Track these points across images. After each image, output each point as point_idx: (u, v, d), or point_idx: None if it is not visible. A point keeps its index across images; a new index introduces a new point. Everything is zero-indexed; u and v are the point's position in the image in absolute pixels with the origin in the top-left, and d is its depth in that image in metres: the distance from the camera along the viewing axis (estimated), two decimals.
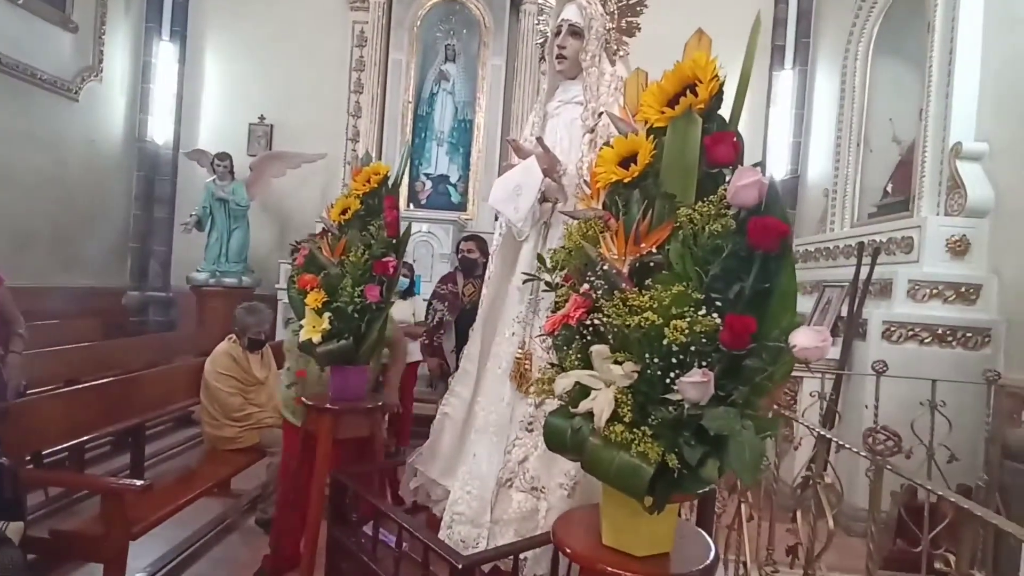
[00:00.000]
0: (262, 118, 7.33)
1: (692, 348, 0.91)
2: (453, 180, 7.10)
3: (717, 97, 1.05)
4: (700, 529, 1.26)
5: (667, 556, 1.10)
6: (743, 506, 2.05)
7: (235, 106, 7.39)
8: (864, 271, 4.24)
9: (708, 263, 0.95)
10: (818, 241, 5.57)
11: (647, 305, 0.95)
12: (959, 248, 4.00)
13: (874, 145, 5.24)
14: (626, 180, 1.08)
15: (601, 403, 0.98)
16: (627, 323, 0.97)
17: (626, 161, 1.10)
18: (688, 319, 0.91)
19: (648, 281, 1.00)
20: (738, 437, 0.85)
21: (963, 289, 3.92)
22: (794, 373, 4.16)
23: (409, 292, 4.66)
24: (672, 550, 1.11)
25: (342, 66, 7.16)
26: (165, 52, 7.24)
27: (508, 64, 6.73)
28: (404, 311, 4.48)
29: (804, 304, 5.11)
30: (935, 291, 3.95)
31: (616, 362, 1.00)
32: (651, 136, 1.11)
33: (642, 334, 0.95)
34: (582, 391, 1.06)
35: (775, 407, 2.24)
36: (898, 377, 3.38)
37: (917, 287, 3.97)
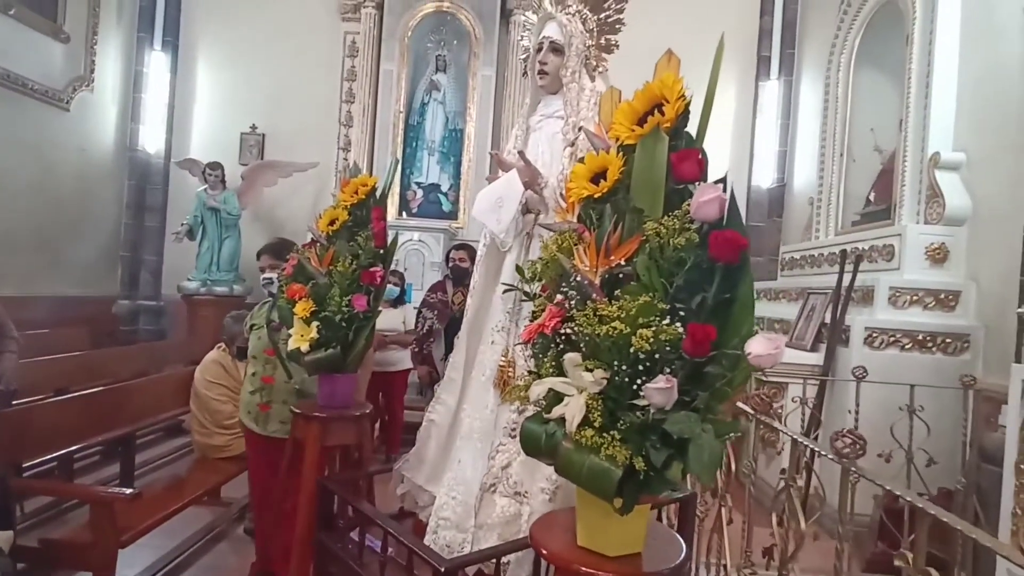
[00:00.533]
0: (254, 127, 7.37)
1: (657, 356, 0.96)
2: (444, 189, 7.16)
3: (683, 116, 1.11)
4: (670, 530, 1.30)
5: (639, 556, 1.14)
6: (723, 510, 2.10)
7: (227, 115, 7.43)
8: (847, 279, 4.32)
9: (673, 275, 1.00)
10: (803, 249, 5.66)
11: (615, 315, 1.00)
12: (938, 256, 4.08)
13: (857, 154, 5.33)
14: (596, 195, 1.13)
15: (572, 409, 1.02)
16: (597, 332, 1.01)
17: (597, 176, 1.15)
18: (654, 328, 0.96)
19: (617, 292, 1.04)
20: (698, 440, 0.90)
21: (942, 296, 3.99)
22: (778, 379, 4.26)
23: (400, 300, 4.71)
24: (644, 550, 1.15)
25: (334, 76, 7.23)
26: (157, 62, 7.27)
27: (498, 74, 6.81)
28: (394, 319, 4.52)
29: (790, 311, 5.18)
30: (915, 298, 4.02)
31: (587, 369, 1.05)
32: (621, 152, 1.16)
33: (611, 342, 1.00)
34: (556, 397, 1.10)
35: (755, 412, 2.29)
36: (877, 383, 3.46)
37: (898, 294, 4.05)
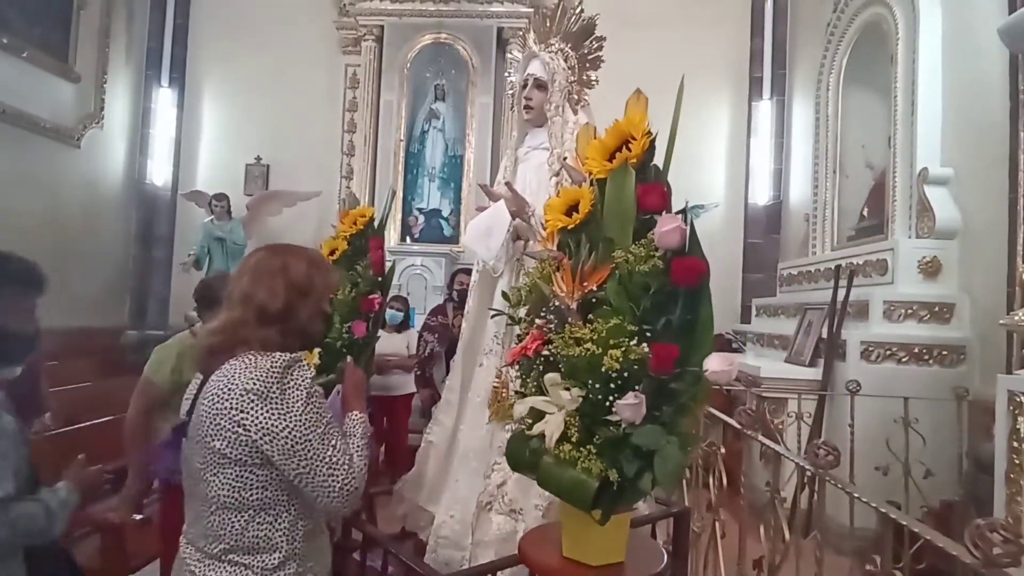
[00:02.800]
0: (258, 159, 7.55)
1: (626, 374, 1.03)
2: (445, 214, 7.29)
3: (650, 151, 1.19)
4: (653, 540, 1.36)
5: (622, 565, 1.21)
6: (717, 524, 2.15)
7: (232, 148, 7.61)
8: (842, 293, 4.37)
9: (641, 299, 1.08)
10: (801, 265, 5.71)
11: (589, 337, 1.08)
12: (931, 269, 4.13)
13: (849, 171, 5.41)
14: (570, 227, 1.22)
15: (551, 425, 1.10)
16: (572, 353, 1.09)
17: (571, 209, 1.24)
18: (623, 348, 1.04)
19: (591, 315, 1.12)
20: (663, 451, 0.97)
21: (936, 308, 4.03)
22: (778, 394, 4.29)
23: (404, 325, 4.78)
24: (627, 559, 1.21)
25: (335, 107, 7.43)
26: (164, 98, 7.49)
27: (495, 101, 6.97)
28: (398, 344, 4.59)
29: (789, 326, 5.22)
30: (910, 311, 4.06)
31: (565, 388, 1.13)
32: (595, 185, 1.25)
33: (585, 363, 1.08)
34: (539, 414, 1.18)
35: (742, 427, 2.34)
36: (871, 396, 3.50)
37: (892, 307, 4.09)
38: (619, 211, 1.16)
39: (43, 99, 6.13)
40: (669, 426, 1.01)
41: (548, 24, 2.24)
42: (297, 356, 1.26)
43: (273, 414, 1.17)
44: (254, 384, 1.18)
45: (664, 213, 1.11)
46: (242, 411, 1.17)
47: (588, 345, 1.06)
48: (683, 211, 1.08)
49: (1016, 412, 2.46)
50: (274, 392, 1.18)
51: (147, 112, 7.45)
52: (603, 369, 1.04)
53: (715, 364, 0.95)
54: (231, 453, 1.19)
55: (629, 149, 1.18)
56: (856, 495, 1.44)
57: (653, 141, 1.18)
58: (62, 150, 6.40)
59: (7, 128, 5.73)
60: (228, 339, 1.26)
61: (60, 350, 5.90)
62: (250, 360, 1.22)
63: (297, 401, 1.19)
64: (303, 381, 1.22)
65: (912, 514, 3.17)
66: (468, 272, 4.63)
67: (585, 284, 1.14)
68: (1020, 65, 3.43)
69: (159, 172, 7.49)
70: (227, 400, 1.19)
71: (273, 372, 1.20)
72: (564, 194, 1.25)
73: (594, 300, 1.15)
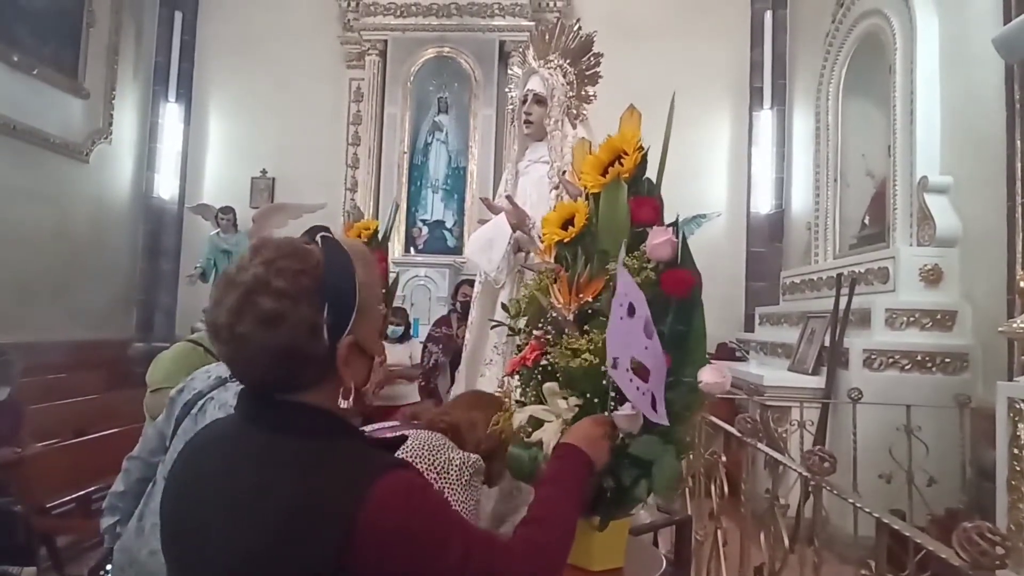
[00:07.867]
0: (264, 172, 7.63)
1: None
2: (449, 225, 7.34)
3: (642, 165, 1.23)
4: (652, 546, 1.38)
5: (621, 571, 1.23)
6: (719, 532, 2.17)
7: (238, 161, 7.71)
8: (843, 302, 4.39)
9: None
10: (803, 273, 5.73)
11: (585, 347, 1.11)
12: (932, 277, 4.13)
13: (850, 180, 5.44)
14: (566, 240, 1.25)
15: (549, 433, 1.12)
16: (570, 364, 1.12)
17: (567, 223, 1.27)
18: None
19: (586, 326, 1.16)
20: (660, 461, 1.00)
21: (938, 316, 4.04)
22: (781, 403, 4.29)
23: (406, 336, 4.82)
24: (626, 564, 1.24)
25: (340, 120, 7.51)
26: (171, 113, 7.59)
27: (498, 113, 7.03)
28: (400, 354, 4.62)
29: (791, 335, 5.23)
30: (912, 319, 4.07)
31: (564, 398, 1.16)
32: (590, 199, 1.29)
33: (582, 372, 1.11)
34: (537, 423, 1.21)
35: (742, 435, 2.36)
36: (874, 404, 3.51)
37: (894, 315, 4.09)
38: (613, 224, 1.20)
39: (53, 115, 6.23)
40: (665, 435, 1.04)
41: (547, 40, 2.30)
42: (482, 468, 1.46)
43: (454, 492, 1.36)
44: (461, 463, 1.38)
45: (656, 226, 1.15)
46: (438, 472, 1.36)
47: (585, 355, 1.09)
48: (674, 224, 1.12)
49: (1016, 419, 2.47)
50: (464, 479, 1.38)
51: (154, 127, 7.56)
52: (604, 381, 1.07)
53: (708, 375, 0.98)
54: None
55: (622, 164, 1.22)
56: (852, 501, 1.45)
57: (645, 155, 1.22)
58: (71, 165, 6.49)
59: (18, 144, 5.82)
60: (443, 429, 1.50)
61: (69, 362, 5.96)
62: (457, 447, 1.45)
63: (469, 501, 1.38)
64: (479, 490, 1.44)
65: (917, 522, 3.17)
66: (472, 283, 4.66)
67: (581, 296, 1.18)
68: (1015, 75, 3.46)
69: (166, 186, 7.58)
70: (433, 457, 1.37)
71: (477, 469, 1.41)
72: (560, 208, 1.29)
73: (590, 311, 1.18)
